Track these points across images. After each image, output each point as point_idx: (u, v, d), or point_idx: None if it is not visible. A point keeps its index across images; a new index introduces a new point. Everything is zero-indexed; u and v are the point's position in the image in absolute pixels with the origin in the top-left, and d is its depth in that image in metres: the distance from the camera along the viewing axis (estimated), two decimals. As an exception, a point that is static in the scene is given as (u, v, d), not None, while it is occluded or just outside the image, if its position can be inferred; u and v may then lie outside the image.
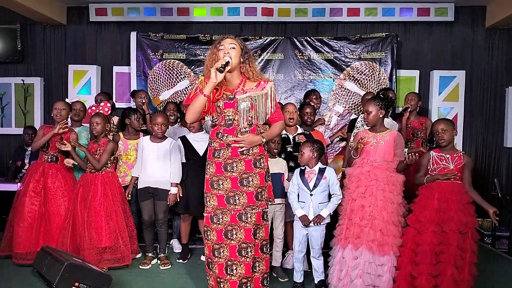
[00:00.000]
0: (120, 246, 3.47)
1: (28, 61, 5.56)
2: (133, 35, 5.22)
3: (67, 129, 3.66)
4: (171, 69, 5.24)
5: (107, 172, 3.60)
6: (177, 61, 5.23)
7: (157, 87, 5.24)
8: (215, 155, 2.60)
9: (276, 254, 3.45)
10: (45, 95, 5.51)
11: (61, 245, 3.45)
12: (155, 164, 3.61)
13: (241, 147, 2.56)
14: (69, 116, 3.78)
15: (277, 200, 3.32)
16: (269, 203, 2.76)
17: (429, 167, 3.01)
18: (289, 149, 3.62)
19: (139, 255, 3.80)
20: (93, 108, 3.73)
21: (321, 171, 3.10)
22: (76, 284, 2.86)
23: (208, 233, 2.60)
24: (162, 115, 3.67)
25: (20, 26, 5.41)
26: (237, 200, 2.56)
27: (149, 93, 5.21)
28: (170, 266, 3.63)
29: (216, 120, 2.63)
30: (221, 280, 2.57)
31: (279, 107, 2.82)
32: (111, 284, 3.03)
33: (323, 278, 3.13)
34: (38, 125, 4.98)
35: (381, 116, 3.08)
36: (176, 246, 4.14)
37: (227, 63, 2.45)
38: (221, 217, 2.57)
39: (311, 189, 3.07)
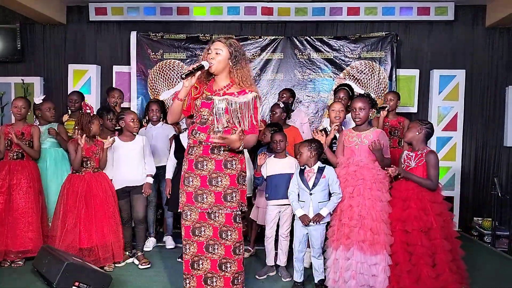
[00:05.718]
0: (116, 243, 3.49)
1: (28, 60, 5.56)
2: (133, 35, 5.21)
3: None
4: (171, 68, 5.24)
5: (102, 171, 3.62)
6: (177, 61, 5.23)
7: (157, 87, 5.24)
8: (189, 152, 2.62)
9: (280, 253, 3.42)
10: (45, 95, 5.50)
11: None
12: (130, 163, 3.63)
13: (215, 142, 2.43)
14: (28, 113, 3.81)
15: (284, 201, 3.32)
16: (241, 207, 2.65)
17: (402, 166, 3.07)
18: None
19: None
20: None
21: (320, 170, 3.10)
22: (76, 283, 2.86)
23: (182, 230, 2.65)
24: (133, 112, 3.84)
25: (20, 25, 5.40)
26: (205, 199, 2.57)
27: (149, 93, 5.21)
28: (149, 265, 3.59)
29: (194, 118, 2.66)
30: (187, 276, 2.62)
31: (256, 125, 2.63)
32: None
33: (323, 278, 3.13)
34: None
35: (370, 114, 3.13)
36: (169, 243, 4.16)
37: (200, 67, 2.45)
38: (189, 213, 2.59)
39: (310, 188, 3.07)
